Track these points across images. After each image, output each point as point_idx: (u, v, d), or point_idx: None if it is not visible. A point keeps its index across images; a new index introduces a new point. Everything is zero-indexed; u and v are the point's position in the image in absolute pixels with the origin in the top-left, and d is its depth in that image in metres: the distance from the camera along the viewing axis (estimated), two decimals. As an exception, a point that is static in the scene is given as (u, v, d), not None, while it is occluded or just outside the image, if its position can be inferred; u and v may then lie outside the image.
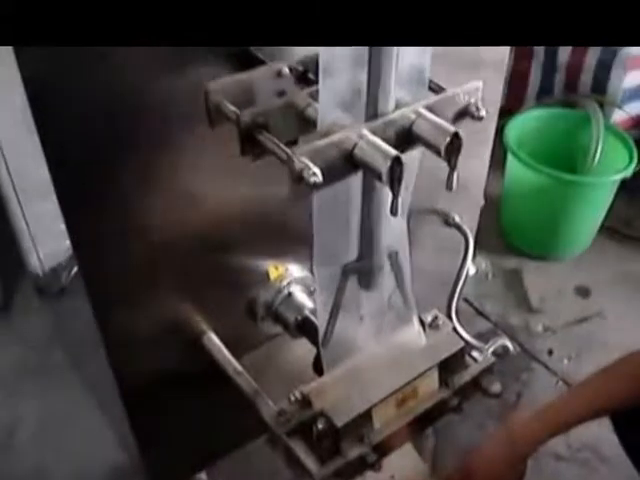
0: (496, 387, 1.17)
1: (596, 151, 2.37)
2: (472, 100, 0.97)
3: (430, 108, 0.92)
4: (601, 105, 2.51)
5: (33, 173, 1.75)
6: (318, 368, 1.16)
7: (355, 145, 0.86)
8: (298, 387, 1.08)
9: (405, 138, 0.91)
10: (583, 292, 2.41)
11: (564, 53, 2.66)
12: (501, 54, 1.51)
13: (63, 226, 1.07)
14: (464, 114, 0.98)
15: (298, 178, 0.81)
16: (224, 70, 1.03)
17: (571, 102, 2.60)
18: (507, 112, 2.43)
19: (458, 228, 1.53)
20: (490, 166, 1.71)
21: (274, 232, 1.30)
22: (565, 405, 1.29)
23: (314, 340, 1.20)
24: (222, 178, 1.16)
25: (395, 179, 0.84)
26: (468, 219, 1.62)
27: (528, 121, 2.52)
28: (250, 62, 1.03)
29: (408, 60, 0.91)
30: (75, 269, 2.23)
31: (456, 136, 0.87)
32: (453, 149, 0.88)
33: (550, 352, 2.20)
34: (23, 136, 1.53)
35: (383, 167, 0.83)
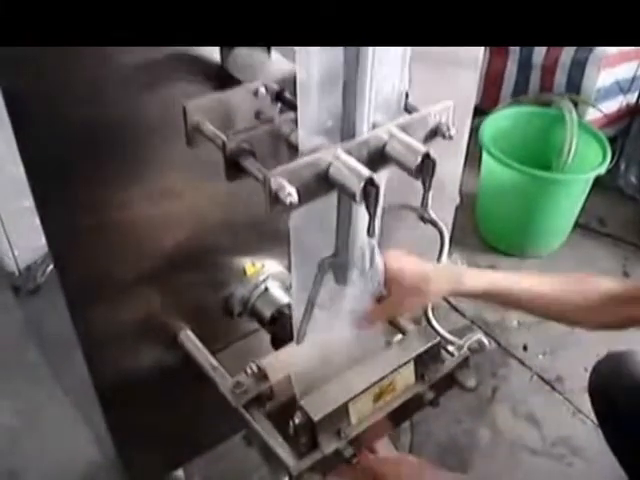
0: (472, 381, 1.18)
1: (570, 149, 2.40)
2: (443, 119, 0.99)
3: (403, 128, 0.94)
4: (575, 104, 2.54)
5: (8, 171, 1.73)
6: (276, 344, 1.17)
7: (330, 165, 0.87)
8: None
9: (379, 158, 0.93)
10: (558, 288, 2.43)
11: (539, 52, 2.69)
12: (476, 52, 1.52)
13: (38, 223, 1.06)
14: (435, 133, 1.00)
15: (274, 198, 0.83)
16: (200, 88, 1.05)
17: (546, 101, 2.63)
18: (482, 110, 2.46)
19: (433, 224, 1.53)
20: (465, 164, 1.73)
21: (251, 229, 1.30)
22: (516, 278, 1.22)
23: (290, 335, 1.20)
24: (199, 175, 1.16)
25: (370, 200, 0.85)
26: (444, 216, 1.63)
27: (503, 119, 2.54)
28: (226, 81, 1.05)
29: (386, 82, 0.93)
30: (50, 267, 2.21)
31: (427, 156, 0.89)
32: (426, 169, 0.89)
33: (525, 347, 2.22)
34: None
35: (356, 188, 0.84)
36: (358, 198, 0.85)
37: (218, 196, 1.21)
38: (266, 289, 1.33)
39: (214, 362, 1.26)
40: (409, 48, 0.92)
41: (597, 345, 1.29)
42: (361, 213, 1.02)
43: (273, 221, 1.18)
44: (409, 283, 1.14)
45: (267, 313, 1.31)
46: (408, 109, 1.00)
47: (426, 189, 0.93)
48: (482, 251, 2.55)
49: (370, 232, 0.91)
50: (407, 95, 0.98)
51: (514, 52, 2.76)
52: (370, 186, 0.84)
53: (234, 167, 0.94)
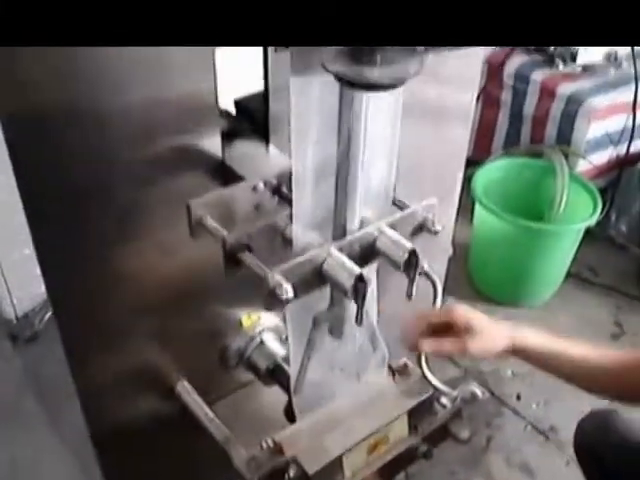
0: (465, 433, 1.20)
1: (561, 200, 2.44)
2: (429, 216, 1.08)
3: (392, 225, 1.02)
4: (566, 155, 2.58)
5: (9, 219, 1.75)
6: (289, 415, 1.18)
7: (324, 262, 0.95)
8: (270, 434, 1.10)
9: (369, 253, 1.01)
10: (551, 338, 2.45)
11: (530, 104, 2.74)
12: (467, 104, 1.55)
13: (38, 271, 1.08)
14: (421, 229, 1.09)
15: (272, 294, 0.90)
16: (201, 181, 1.12)
17: (537, 152, 2.67)
18: (475, 161, 2.50)
19: (427, 276, 1.56)
20: (458, 214, 1.76)
21: (247, 281, 1.32)
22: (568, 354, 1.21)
23: (286, 387, 1.22)
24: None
25: (359, 294, 0.92)
26: (437, 268, 1.65)
27: (495, 171, 2.57)
28: (228, 176, 1.13)
29: (375, 179, 1.01)
30: (48, 315, 2.23)
31: (413, 253, 0.97)
32: (411, 265, 0.98)
33: (519, 397, 2.23)
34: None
35: (348, 284, 0.92)
36: (349, 294, 0.92)
37: (214, 250, 1.24)
38: (262, 341, 1.35)
39: (210, 413, 1.27)
40: (397, 143, 0.99)
41: (590, 396, 1.31)
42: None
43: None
44: (495, 329, 1.15)
45: (263, 365, 1.32)
46: (396, 203, 1.09)
47: (411, 281, 1.01)
48: (475, 300, 2.56)
49: (358, 321, 0.98)
50: (394, 188, 1.06)
51: (505, 104, 2.82)
52: (360, 282, 0.91)
53: (233, 261, 1.02)
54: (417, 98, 1.03)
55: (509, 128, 2.85)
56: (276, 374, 1.30)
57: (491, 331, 1.15)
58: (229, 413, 1.33)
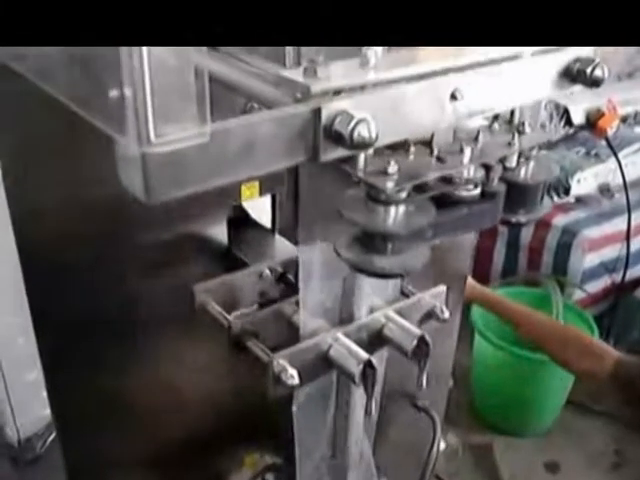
0: None
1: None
2: (437, 303, 1.06)
3: (399, 312, 1.00)
4: (562, 285, 2.65)
5: (17, 343, 1.79)
6: None
7: (330, 347, 0.93)
8: None
9: (376, 340, 0.99)
10: (552, 468, 2.45)
11: (526, 234, 2.82)
12: (467, 244, 1.60)
13: (42, 394, 1.11)
14: (430, 316, 1.06)
15: (277, 379, 0.88)
16: (208, 269, 1.10)
17: (534, 281, 2.74)
18: (473, 290, 2.55)
19: (426, 412, 1.59)
20: (458, 341, 1.79)
21: (249, 420, 1.35)
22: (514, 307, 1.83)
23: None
24: (201, 367, 1.20)
25: (368, 381, 0.90)
26: (437, 400, 1.68)
27: (493, 299, 2.63)
28: (233, 262, 1.12)
29: None
30: (50, 438, 2.23)
31: (422, 339, 0.95)
32: (421, 352, 0.95)
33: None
34: (10, 308, 1.57)
35: (356, 370, 0.90)
36: (357, 380, 0.89)
37: (217, 388, 1.26)
38: (264, 480, 1.36)
39: None
40: None
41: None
42: (357, 416, 1.08)
43: (271, 413, 1.25)
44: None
45: (265, 505, 1.33)
46: (404, 292, 1.07)
47: (421, 370, 0.98)
48: (476, 429, 2.58)
49: (367, 411, 0.95)
50: (403, 277, 1.04)
51: (502, 234, 2.90)
52: (369, 368, 0.89)
53: (238, 347, 0.99)
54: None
55: (506, 257, 2.92)
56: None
57: None
58: None
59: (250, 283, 1.10)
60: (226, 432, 1.33)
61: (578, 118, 2.75)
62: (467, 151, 0.75)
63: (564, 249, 2.71)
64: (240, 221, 1.17)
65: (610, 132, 2.69)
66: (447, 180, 0.75)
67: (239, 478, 1.36)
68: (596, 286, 2.80)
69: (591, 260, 2.72)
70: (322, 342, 0.93)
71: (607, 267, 2.79)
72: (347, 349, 0.93)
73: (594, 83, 0.77)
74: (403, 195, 0.70)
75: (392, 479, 1.26)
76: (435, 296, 1.07)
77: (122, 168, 0.55)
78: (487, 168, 0.79)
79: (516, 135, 0.80)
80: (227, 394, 1.28)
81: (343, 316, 1.00)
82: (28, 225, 0.95)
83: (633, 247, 2.75)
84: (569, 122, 2.76)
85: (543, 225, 2.75)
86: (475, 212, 0.80)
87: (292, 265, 1.07)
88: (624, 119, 2.94)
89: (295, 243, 0.94)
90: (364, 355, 0.91)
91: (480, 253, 2.92)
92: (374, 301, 1.02)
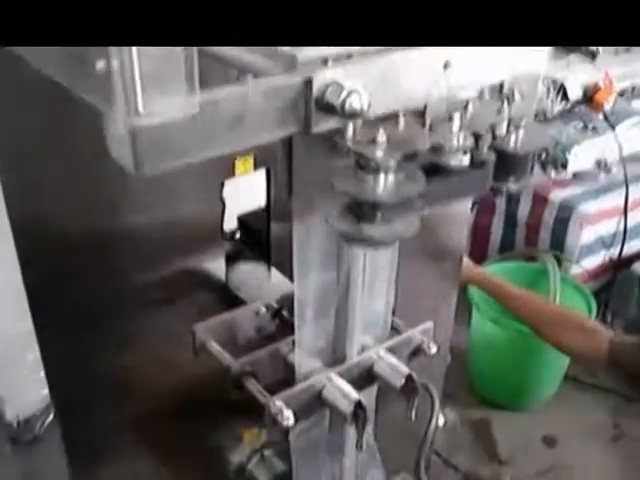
0: None
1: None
2: (425, 339, 1.11)
3: (389, 349, 1.06)
4: (560, 260, 2.65)
5: (14, 324, 1.79)
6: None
7: (324, 388, 0.99)
8: None
9: (367, 377, 1.05)
10: (550, 442, 2.46)
11: (523, 210, 2.82)
12: (463, 209, 1.59)
13: (42, 375, 1.13)
14: (418, 351, 1.12)
15: (273, 421, 0.94)
16: (204, 305, 1.17)
17: (531, 256, 2.74)
18: (471, 266, 2.55)
19: (424, 388, 1.59)
20: (455, 318, 1.80)
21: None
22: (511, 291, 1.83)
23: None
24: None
25: (359, 420, 0.96)
26: (435, 376, 1.69)
27: (491, 274, 2.63)
28: (231, 301, 1.17)
29: (374, 304, 1.05)
30: (49, 418, 2.23)
31: (410, 378, 1.01)
32: (408, 389, 1.01)
33: (519, 504, 2.23)
34: (5, 288, 1.57)
35: (347, 410, 0.96)
36: (349, 419, 0.95)
37: (215, 367, 1.27)
38: (263, 456, 1.37)
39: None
40: (394, 272, 1.03)
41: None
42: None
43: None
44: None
45: (264, 480, 1.34)
46: (394, 327, 1.12)
47: (410, 404, 1.03)
48: (474, 404, 2.59)
49: (358, 447, 1.00)
50: (394, 312, 1.10)
51: (499, 210, 2.90)
52: (359, 409, 0.95)
53: (237, 387, 1.05)
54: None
55: (504, 233, 2.92)
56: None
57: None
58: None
59: (247, 320, 1.16)
60: (225, 408, 1.34)
61: (575, 93, 2.74)
62: (456, 119, 0.75)
63: (561, 224, 2.71)
64: (237, 256, 1.24)
65: (607, 106, 2.68)
66: (437, 149, 0.75)
67: (238, 454, 1.37)
68: (593, 261, 2.80)
69: (588, 235, 2.72)
70: (316, 383, 0.99)
71: (604, 242, 2.79)
72: (339, 390, 0.98)
73: (590, 53, 0.76)
74: (392, 164, 0.70)
75: (390, 455, 1.26)
76: (424, 332, 1.12)
77: (111, 141, 0.55)
78: (477, 137, 0.79)
79: (505, 103, 0.79)
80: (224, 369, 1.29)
81: (337, 355, 1.05)
82: (23, 205, 0.95)
83: (630, 222, 2.75)
84: (566, 97, 2.75)
85: (540, 201, 2.74)
86: (465, 181, 0.80)
87: (287, 301, 1.11)
88: (621, 93, 2.92)
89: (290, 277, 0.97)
90: (355, 396, 0.97)
91: (478, 230, 2.93)
92: (365, 339, 1.06)
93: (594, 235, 2.74)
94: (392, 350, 1.06)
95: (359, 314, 1.00)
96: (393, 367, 1.03)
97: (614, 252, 2.84)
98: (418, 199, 0.74)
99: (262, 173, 1.19)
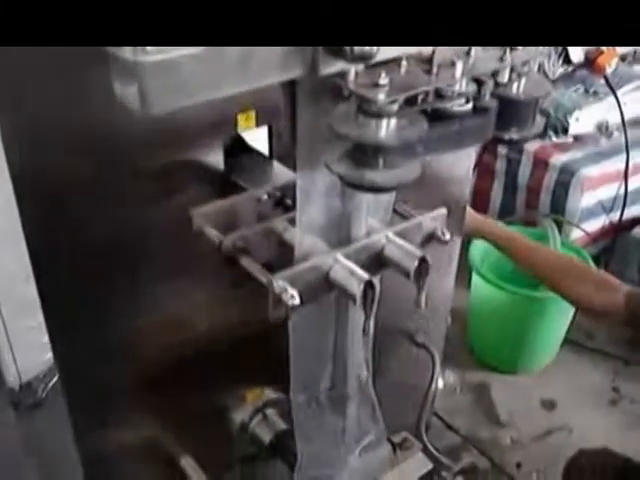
0: (465, 505, 1.22)
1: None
2: (438, 225, 1.07)
3: (399, 234, 1.01)
4: (560, 224, 2.64)
5: (18, 289, 1.78)
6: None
7: (330, 269, 0.94)
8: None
9: (376, 262, 1.00)
10: (549, 405, 2.48)
11: (524, 174, 2.81)
12: (465, 171, 1.58)
13: (44, 339, 1.09)
14: (431, 238, 1.07)
15: (277, 300, 0.88)
16: (207, 197, 1.09)
17: (532, 220, 2.73)
18: (471, 230, 2.54)
19: (425, 348, 1.60)
20: (455, 281, 1.80)
21: (252, 354, 1.35)
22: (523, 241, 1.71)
23: (288, 461, 1.24)
24: (203, 301, 1.21)
25: (368, 301, 0.91)
26: (435, 338, 1.69)
27: (491, 239, 2.62)
28: (231, 189, 1.11)
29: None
30: (52, 383, 2.24)
31: (423, 260, 0.96)
32: (421, 272, 0.96)
33: (518, 465, 2.23)
34: (9, 252, 1.56)
35: (357, 290, 0.90)
36: (358, 300, 0.90)
37: (219, 322, 1.26)
38: (265, 415, 1.37)
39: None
40: None
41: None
42: (356, 343, 1.09)
43: (274, 348, 1.25)
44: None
45: (266, 439, 1.34)
46: (402, 213, 1.08)
47: (420, 290, 0.98)
48: (474, 367, 2.60)
49: (365, 330, 0.96)
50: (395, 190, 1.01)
51: (500, 174, 2.89)
52: (369, 289, 0.90)
53: (232, 265, 1.00)
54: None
55: (504, 197, 2.91)
56: (279, 448, 1.32)
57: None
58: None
59: (248, 207, 1.09)
60: (227, 367, 1.34)
61: (577, 56, 2.72)
62: (459, 64, 0.74)
63: (562, 188, 2.70)
64: (237, 149, 1.15)
65: (609, 70, 2.67)
66: (439, 94, 0.74)
67: (241, 413, 1.38)
68: (594, 225, 2.79)
69: (589, 199, 2.71)
70: (322, 263, 0.94)
71: (605, 206, 2.79)
72: (348, 270, 0.93)
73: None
74: (394, 108, 0.69)
75: (391, 416, 1.27)
76: (436, 218, 1.07)
77: (117, 79, 0.54)
78: (479, 83, 0.79)
79: (507, 50, 0.78)
80: (228, 328, 1.29)
81: (341, 237, 0.99)
82: (23, 159, 0.93)
83: (631, 186, 2.74)
84: (568, 60, 2.73)
85: (541, 164, 2.73)
86: (467, 127, 0.80)
87: (291, 189, 1.04)
88: (623, 57, 2.91)
89: (293, 169, 0.92)
90: (364, 275, 0.91)
91: (478, 194, 2.92)
92: (371, 222, 1.01)
93: (594, 199, 2.73)
94: (402, 235, 1.01)
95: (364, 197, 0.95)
96: (405, 250, 0.98)
97: (614, 216, 2.83)
98: (419, 144, 0.73)
99: (264, 130, 1.16)
